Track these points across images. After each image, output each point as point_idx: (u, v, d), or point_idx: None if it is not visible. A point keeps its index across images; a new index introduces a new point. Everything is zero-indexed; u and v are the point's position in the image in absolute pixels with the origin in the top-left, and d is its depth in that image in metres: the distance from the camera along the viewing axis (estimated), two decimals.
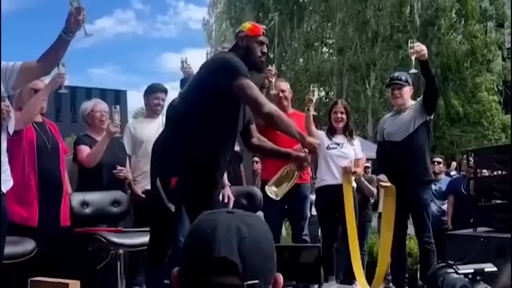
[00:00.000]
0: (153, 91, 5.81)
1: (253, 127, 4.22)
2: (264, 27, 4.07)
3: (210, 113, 3.68)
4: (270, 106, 3.68)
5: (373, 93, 28.82)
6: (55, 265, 4.33)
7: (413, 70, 5.28)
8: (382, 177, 5.59)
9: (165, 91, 5.85)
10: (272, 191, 3.99)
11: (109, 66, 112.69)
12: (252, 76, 3.85)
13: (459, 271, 3.25)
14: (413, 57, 5.19)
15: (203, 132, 3.71)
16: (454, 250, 4.98)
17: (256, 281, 1.22)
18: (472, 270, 3.19)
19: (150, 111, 5.82)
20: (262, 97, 3.71)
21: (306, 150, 3.87)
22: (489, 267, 3.23)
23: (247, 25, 4.02)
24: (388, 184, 5.50)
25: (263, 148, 4.33)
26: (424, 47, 5.22)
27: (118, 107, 5.49)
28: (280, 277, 1.32)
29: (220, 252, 1.20)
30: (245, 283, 1.20)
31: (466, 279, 3.17)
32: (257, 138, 4.25)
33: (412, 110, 5.54)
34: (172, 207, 3.79)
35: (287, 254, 4.30)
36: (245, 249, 1.22)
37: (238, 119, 3.87)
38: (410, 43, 5.28)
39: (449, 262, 3.45)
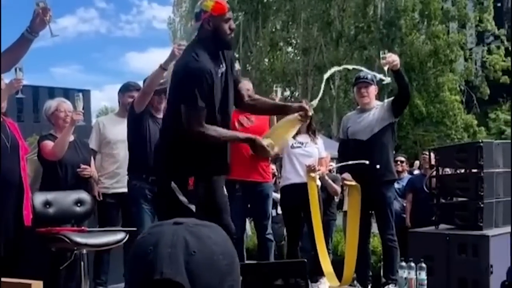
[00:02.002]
0: (128, 90, 5.74)
1: (242, 86, 4.18)
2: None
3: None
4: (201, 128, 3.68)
5: (338, 93, 28.98)
6: (17, 266, 4.27)
7: (387, 80, 5.35)
8: (347, 175, 5.64)
9: (140, 90, 5.78)
10: (268, 143, 3.83)
11: (72, 65, 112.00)
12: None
13: None
14: (385, 68, 5.26)
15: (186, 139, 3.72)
16: (417, 248, 5.04)
17: None
18: None
19: (123, 109, 5.71)
20: (194, 119, 3.69)
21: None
22: None
23: (210, 3, 3.78)
24: (353, 183, 5.55)
25: (259, 107, 4.25)
26: (396, 57, 5.30)
27: (80, 94, 5.44)
28: None
29: (162, 273, 1.06)
30: None
31: None
32: (250, 98, 4.19)
33: (378, 111, 5.60)
34: (193, 207, 3.74)
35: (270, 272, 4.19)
36: (194, 266, 1.08)
37: (227, 105, 3.90)
38: (382, 54, 5.35)
39: None
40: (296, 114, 4.03)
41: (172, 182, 3.74)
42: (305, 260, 4.83)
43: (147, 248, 1.10)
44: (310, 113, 4.04)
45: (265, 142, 3.82)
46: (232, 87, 3.96)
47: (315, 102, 4.20)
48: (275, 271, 4.23)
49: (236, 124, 5.54)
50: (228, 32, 3.82)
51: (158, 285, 1.06)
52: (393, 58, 5.28)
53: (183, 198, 3.72)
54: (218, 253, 1.12)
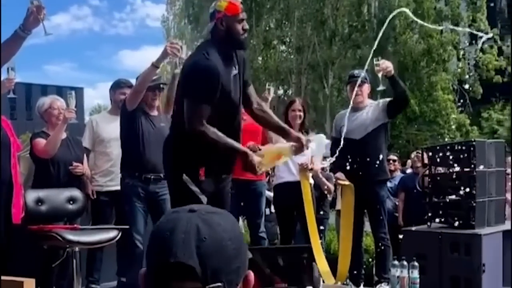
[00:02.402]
0: (119, 87, 5.72)
1: (251, 89, 4.19)
2: (240, 0, 3.93)
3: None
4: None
5: (331, 92, 28.97)
6: (9, 263, 4.26)
7: (380, 87, 5.37)
8: (340, 175, 5.65)
9: (131, 86, 5.76)
10: (258, 162, 3.86)
11: (65, 63, 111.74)
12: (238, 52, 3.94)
13: None
14: (379, 74, 5.27)
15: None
16: (409, 246, 5.05)
17: (219, 284, 1.19)
18: None
19: (115, 107, 5.70)
20: (195, 116, 3.71)
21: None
22: None
23: (223, 3, 3.81)
24: (346, 182, 5.56)
25: (264, 119, 4.29)
26: (389, 64, 5.32)
27: (73, 92, 5.42)
28: (251, 275, 1.29)
29: (176, 257, 1.17)
30: (207, 287, 1.18)
31: None
32: (258, 105, 4.21)
33: (373, 110, 5.61)
34: (205, 199, 3.77)
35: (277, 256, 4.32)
36: (204, 251, 1.18)
37: (237, 108, 3.97)
38: (376, 60, 5.36)
39: None
40: (291, 144, 4.07)
41: (184, 174, 3.76)
42: (310, 245, 4.93)
43: (165, 233, 1.21)
44: (305, 149, 4.09)
45: (256, 160, 3.83)
46: (242, 90, 3.99)
47: (312, 145, 4.21)
48: (280, 254, 4.38)
49: None
50: (241, 33, 3.83)
51: (173, 268, 1.17)
52: (386, 64, 5.30)
53: (195, 189, 3.75)
54: (227, 239, 1.22)
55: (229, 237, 1.23)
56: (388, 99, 5.68)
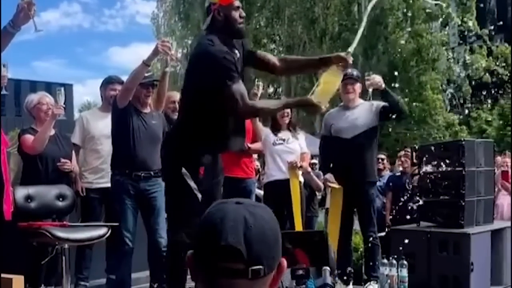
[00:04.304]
0: (110, 83, 5.69)
1: (260, 53, 4.28)
2: None
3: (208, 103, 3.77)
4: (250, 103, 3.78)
5: None
6: None
7: (369, 101, 5.39)
8: (329, 176, 5.65)
9: (122, 83, 5.64)
10: (317, 100, 3.85)
11: (54, 60, 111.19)
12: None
13: None
14: (370, 90, 5.28)
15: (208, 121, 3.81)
16: (398, 245, 5.07)
17: (260, 266, 1.34)
18: None
19: (106, 104, 5.64)
20: (240, 98, 3.72)
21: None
22: None
23: None
24: (336, 185, 5.57)
25: (294, 66, 4.37)
26: (379, 78, 5.33)
27: (62, 89, 5.40)
28: (284, 262, 1.42)
29: (227, 240, 1.31)
30: (250, 268, 1.33)
31: None
32: (279, 61, 4.24)
33: (366, 111, 5.60)
34: (199, 196, 3.80)
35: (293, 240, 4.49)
36: (250, 237, 1.33)
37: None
38: (366, 75, 5.38)
39: None
40: (335, 66, 4.03)
41: (183, 168, 3.77)
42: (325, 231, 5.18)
43: (216, 220, 1.36)
44: (350, 60, 4.05)
45: (315, 100, 3.85)
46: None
47: (351, 49, 4.14)
48: (295, 239, 4.54)
49: None
50: (239, 20, 3.88)
51: (221, 250, 1.32)
52: (376, 79, 5.32)
53: (193, 184, 3.76)
54: (268, 229, 1.38)
55: (270, 227, 1.38)
56: (382, 103, 5.62)
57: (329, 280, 4.63)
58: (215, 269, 1.34)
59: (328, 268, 4.66)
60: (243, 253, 1.32)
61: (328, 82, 4.03)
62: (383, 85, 5.38)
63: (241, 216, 1.36)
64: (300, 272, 4.44)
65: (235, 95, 3.67)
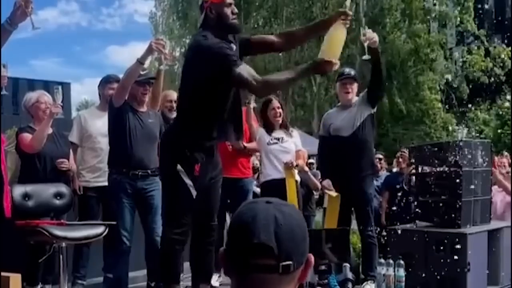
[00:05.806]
0: (108, 82, 5.68)
1: (258, 36, 4.47)
2: None
3: (206, 98, 3.83)
4: (258, 79, 3.75)
5: (319, 90, 29.01)
6: None
7: (366, 57, 5.37)
8: (327, 183, 5.66)
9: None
10: (328, 58, 3.78)
11: (52, 58, 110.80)
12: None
13: None
14: (365, 44, 5.27)
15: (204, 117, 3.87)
16: (395, 245, 5.08)
17: (290, 262, 1.42)
18: None
19: (104, 102, 5.63)
20: (250, 77, 3.74)
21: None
22: None
23: None
24: (333, 193, 5.58)
25: (294, 38, 4.38)
26: (375, 35, 5.32)
27: (60, 87, 5.40)
28: (312, 257, 1.50)
29: (260, 238, 1.39)
30: (280, 264, 1.40)
31: None
32: (276, 37, 4.26)
33: (358, 104, 5.65)
34: (194, 193, 3.85)
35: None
36: (281, 235, 1.40)
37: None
38: (363, 30, 5.37)
39: None
40: (337, 21, 3.97)
41: (179, 165, 3.80)
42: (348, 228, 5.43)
43: (248, 219, 1.43)
44: (350, 13, 4.01)
45: (325, 59, 3.78)
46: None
47: (348, 2, 4.09)
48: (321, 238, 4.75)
49: None
50: (231, 17, 3.92)
51: (253, 247, 1.39)
52: (372, 35, 5.31)
53: (188, 181, 3.77)
54: (296, 226, 1.46)
55: (298, 225, 1.46)
56: (367, 88, 5.69)
57: (350, 275, 4.77)
58: (247, 265, 1.42)
59: (348, 264, 4.93)
60: (274, 250, 1.39)
61: (334, 37, 3.95)
62: (377, 43, 5.36)
63: (272, 215, 1.43)
64: (323, 267, 4.50)
65: (244, 76, 3.69)
